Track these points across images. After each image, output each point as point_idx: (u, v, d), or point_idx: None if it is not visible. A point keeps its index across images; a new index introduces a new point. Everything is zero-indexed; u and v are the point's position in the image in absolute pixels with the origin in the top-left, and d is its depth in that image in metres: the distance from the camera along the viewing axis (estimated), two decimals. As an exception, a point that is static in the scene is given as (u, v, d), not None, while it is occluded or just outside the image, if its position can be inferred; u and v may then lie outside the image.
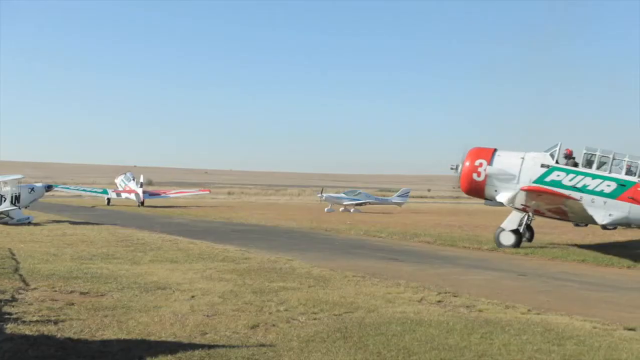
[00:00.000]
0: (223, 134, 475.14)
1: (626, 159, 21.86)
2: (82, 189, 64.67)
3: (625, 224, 22.17)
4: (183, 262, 16.20)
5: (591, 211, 21.20)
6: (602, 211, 21.61)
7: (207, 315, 9.83)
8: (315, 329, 9.06)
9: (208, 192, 70.09)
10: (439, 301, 11.55)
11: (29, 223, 28.61)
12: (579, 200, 20.97)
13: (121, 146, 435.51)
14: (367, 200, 51.02)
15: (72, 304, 10.40)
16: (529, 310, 10.87)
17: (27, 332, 8.48)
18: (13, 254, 16.94)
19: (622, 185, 21.56)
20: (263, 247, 20.98)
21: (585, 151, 22.42)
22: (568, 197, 20.75)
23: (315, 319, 9.75)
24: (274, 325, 9.25)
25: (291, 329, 9.00)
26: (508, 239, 22.25)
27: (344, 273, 14.70)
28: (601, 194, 21.64)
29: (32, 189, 31.25)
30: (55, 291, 11.63)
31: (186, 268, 15.16)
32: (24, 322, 9.03)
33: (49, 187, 34.21)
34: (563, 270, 17.07)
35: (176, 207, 51.55)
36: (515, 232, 22.27)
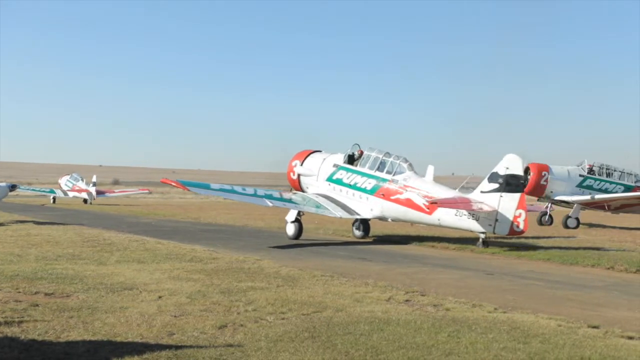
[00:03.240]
0: (191, 133, 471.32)
1: (391, 159, 24.00)
2: (31, 188, 65.23)
3: (383, 218, 24.12)
4: (150, 262, 16.05)
5: (357, 205, 23.91)
6: (366, 206, 23.99)
7: (175, 316, 9.75)
8: (283, 328, 9.04)
9: (148, 191, 72.21)
10: (406, 300, 11.62)
11: (-8, 223, 28.12)
12: (194, 191, 23.26)
13: (86, 146, 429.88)
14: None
15: (37, 305, 10.23)
16: (495, 309, 10.98)
17: (-11, 334, 8.33)
18: (-25, 255, 16.61)
19: (378, 183, 23.80)
20: (231, 246, 20.89)
21: (366, 152, 24.89)
22: (184, 188, 23.14)
23: (283, 318, 9.74)
24: (242, 325, 9.21)
25: (259, 329, 8.98)
26: (290, 229, 24.17)
27: (312, 273, 14.70)
28: (364, 190, 24.13)
29: (-5, 189, 30.74)
30: (19, 292, 11.43)
31: (153, 268, 15.02)
32: (-14, 324, 8.86)
33: (12, 187, 33.66)
34: (529, 269, 17.28)
35: (143, 206, 51.06)
36: (295, 221, 24.03)
